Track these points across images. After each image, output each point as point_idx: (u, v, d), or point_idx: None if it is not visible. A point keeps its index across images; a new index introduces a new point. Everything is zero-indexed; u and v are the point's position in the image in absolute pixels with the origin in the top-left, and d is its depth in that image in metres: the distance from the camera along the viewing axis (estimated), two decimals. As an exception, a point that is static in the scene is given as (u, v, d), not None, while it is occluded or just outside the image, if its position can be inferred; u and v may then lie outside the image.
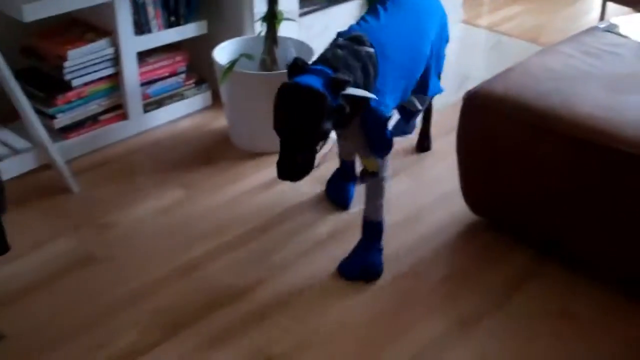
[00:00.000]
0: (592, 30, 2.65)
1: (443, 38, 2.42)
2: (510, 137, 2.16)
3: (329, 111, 1.79)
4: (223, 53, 2.75)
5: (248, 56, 2.65)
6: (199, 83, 3.03)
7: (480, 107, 2.22)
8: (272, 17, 2.65)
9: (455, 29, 3.92)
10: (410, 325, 2.01)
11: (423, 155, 2.81)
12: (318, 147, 1.85)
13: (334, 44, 2.01)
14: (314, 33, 3.12)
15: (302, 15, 3.15)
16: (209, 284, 2.13)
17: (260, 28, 2.73)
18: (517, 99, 2.15)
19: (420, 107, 2.38)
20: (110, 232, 2.35)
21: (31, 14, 2.40)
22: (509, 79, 2.27)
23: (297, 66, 1.87)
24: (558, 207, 2.12)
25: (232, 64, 2.58)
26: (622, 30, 2.60)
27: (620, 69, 2.30)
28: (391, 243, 2.29)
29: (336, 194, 2.50)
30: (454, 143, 2.33)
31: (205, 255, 2.24)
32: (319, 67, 1.87)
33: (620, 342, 1.97)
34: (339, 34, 2.07)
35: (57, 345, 1.92)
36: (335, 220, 2.43)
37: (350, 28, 2.09)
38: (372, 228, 2.17)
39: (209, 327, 1.98)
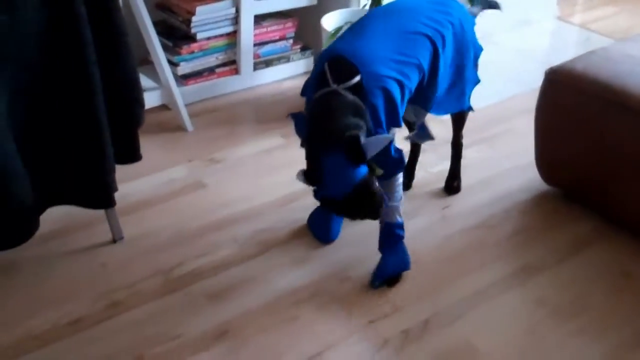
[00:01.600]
0: (677, 26, 2.82)
1: (466, 50, 2.23)
2: (585, 111, 2.37)
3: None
4: (329, 21, 3.04)
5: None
6: (304, 49, 3.33)
7: (560, 82, 2.43)
8: (377, -11, 2.92)
9: (549, 24, 4.13)
10: (477, 267, 2.25)
11: (503, 131, 3.03)
12: None
13: (319, 103, 1.95)
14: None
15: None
16: (305, 213, 2.40)
17: (366, 1, 3.01)
18: (595, 76, 2.35)
19: (414, 119, 2.31)
20: (219, 165, 2.68)
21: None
22: (590, 59, 2.47)
23: None
24: (624, 178, 2.31)
25: (338, 29, 2.87)
26: None
27: (697, 59, 2.47)
28: (462, 201, 2.55)
29: (319, 228, 2.33)
30: (533, 123, 2.55)
31: (302, 191, 2.51)
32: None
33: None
34: (322, 56, 2.00)
35: (166, 249, 2.25)
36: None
37: (335, 47, 2.01)
38: (390, 230, 2.16)
39: (296, 248, 2.28)
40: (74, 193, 2.07)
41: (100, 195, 2.08)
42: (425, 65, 2.06)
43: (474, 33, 2.29)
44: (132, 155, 2.15)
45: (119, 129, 2.04)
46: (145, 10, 2.66)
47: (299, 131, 2.06)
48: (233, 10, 3.01)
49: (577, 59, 2.50)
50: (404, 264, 2.19)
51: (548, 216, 2.51)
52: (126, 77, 2.01)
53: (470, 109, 2.41)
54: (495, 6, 2.54)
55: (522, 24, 4.01)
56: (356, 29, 2.06)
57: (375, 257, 2.21)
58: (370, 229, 2.25)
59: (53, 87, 1.87)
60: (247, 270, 2.19)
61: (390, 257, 2.18)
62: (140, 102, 2.07)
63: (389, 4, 2.23)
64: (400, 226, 2.16)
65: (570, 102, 2.41)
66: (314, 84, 1.98)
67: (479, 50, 2.32)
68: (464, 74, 2.26)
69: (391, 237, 2.17)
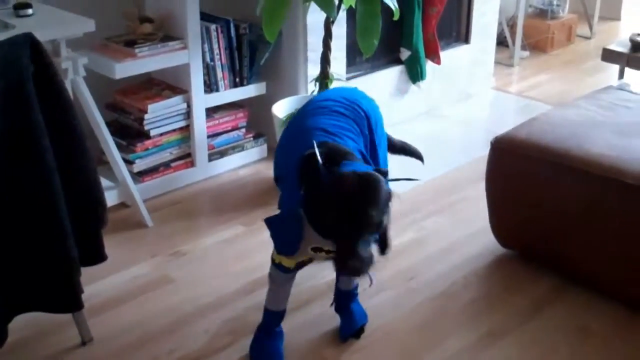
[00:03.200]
0: (607, 88, 2.99)
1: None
2: (531, 175, 2.48)
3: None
4: (280, 109, 3.14)
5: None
6: (257, 137, 3.42)
7: (505, 150, 2.55)
8: (324, 78, 3.04)
9: (488, 95, 4.32)
10: (444, 336, 2.30)
11: (456, 200, 3.13)
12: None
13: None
14: (359, 94, 3.51)
15: (348, 78, 3.55)
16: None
17: (313, 88, 3.13)
18: (538, 142, 2.48)
19: None
20: (182, 259, 2.70)
21: (122, 71, 2.83)
22: (532, 126, 2.61)
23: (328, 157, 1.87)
24: (575, 235, 2.41)
25: (290, 116, 2.97)
26: (633, 88, 2.94)
27: (629, 118, 2.63)
28: (426, 271, 2.62)
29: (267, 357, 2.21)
30: (483, 189, 2.66)
31: (264, 277, 2.55)
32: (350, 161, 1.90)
33: (636, 354, 2.23)
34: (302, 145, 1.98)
35: (137, 347, 2.24)
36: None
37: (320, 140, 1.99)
38: (354, 290, 2.31)
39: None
40: (41, 299, 2.06)
41: (67, 299, 2.07)
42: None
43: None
44: (97, 256, 2.16)
45: (83, 231, 2.06)
46: (97, 111, 2.72)
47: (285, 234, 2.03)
48: (184, 105, 3.10)
49: (520, 126, 2.64)
50: (365, 315, 2.34)
51: (506, 279, 2.59)
52: (88, 180, 2.05)
53: None
54: (418, 156, 2.60)
55: (464, 96, 4.19)
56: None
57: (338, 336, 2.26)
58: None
59: (14, 193, 1.88)
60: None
61: (357, 309, 2.31)
62: (102, 203, 2.10)
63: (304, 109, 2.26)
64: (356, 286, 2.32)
65: (517, 168, 2.53)
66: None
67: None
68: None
69: (354, 295, 2.31)
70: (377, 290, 2.50)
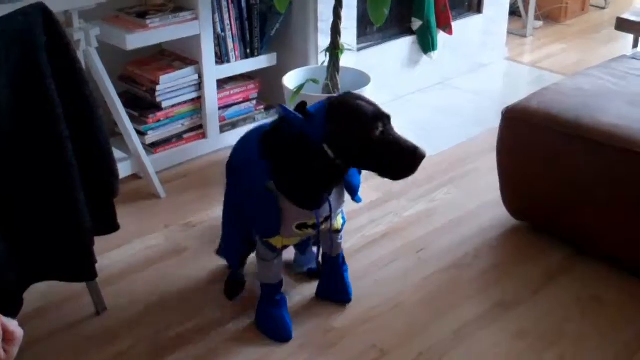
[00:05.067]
0: (621, 57, 2.96)
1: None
2: (542, 145, 2.47)
3: None
4: (291, 79, 3.13)
5: (314, 81, 3.03)
6: (267, 108, 3.42)
7: (516, 120, 2.54)
8: (334, 48, 3.03)
9: (501, 65, 4.29)
10: (455, 306, 2.31)
11: (468, 171, 3.13)
12: None
13: None
14: (370, 65, 3.49)
15: (359, 49, 3.53)
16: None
17: (324, 58, 3.11)
18: (549, 111, 2.47)
19: None
20: (195, 229, 2.72)
21: (133, 42, 2.83)
22: (543, 96, 2.59)
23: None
24: (587, 206, 2.40)
25: (300, 87, 2.96)
26: (647, 57, 2.91)
27: (642, 87, 2.61)
28: (436, 242, 2.63)
29: (274, 330, 2.20)
30: (495, 161, 2.65)
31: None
32: None
33: (643, 323, 2.24)
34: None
35: (150, 316, 2.27)
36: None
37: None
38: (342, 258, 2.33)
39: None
40: (56, 268, 2.08)
41: (81, 268, 2.10)
42: None
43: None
44: (110, 226, 2.18)
45: (96, 201, 2.08)
46: (110, 83, 2.73)
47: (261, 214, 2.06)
48: (196, 76, 3.10)
49: (531, 96, 2.62)
50: (350, 293, 2.34)
51: (518, 250, 2.59)
52: (100, 150, 2.06)
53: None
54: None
55: (476, 67, 4.17)
56: None
57: (349, 307, 2.30)
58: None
59: (28, 163, 1.90)
60: (235, 330, 2.22)
61: (346, 279, 2.34)
62: (114, 173, 2.11)
63: None
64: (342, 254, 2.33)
65: (528, 138, 2.52)
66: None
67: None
68: None
69: (342, 263, 2.32)
70: (386, 262, 2.53)
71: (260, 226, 2.10)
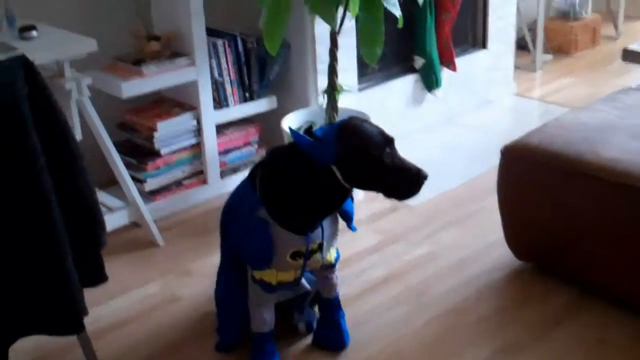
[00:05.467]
0: (626, 90, 2.89)
1: None
2: (544, 183, 2.40)
3: None
4: (290, 122, 3.11)
5: (312, 123, 2.99)
6: (270, 152, 3.39)
7: (516, 158, 2.48)
8: (332, 89, 3.00)
9: (508, 101, 4.23)
10: (456, 353, 2.23)
11: (473, 211, 3.05)
12: None
13: None
14: (373, 105, 3.45)
15: (361, 89, 3.50)
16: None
17: (323, 100, 3.09)
18: (549, 147, 2.40)
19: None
20: (192, 277, 2.67)
21: (129, 90, 2.83)
22: (544, 132, 2.53)
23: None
24: (591, 244, 2.32)
25: (299, 129, 2.92)
26: (652, 89, 2.84)
27: (646, 120, 2.53)
28: (437, 286, 2.56)
29: None
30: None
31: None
32: None
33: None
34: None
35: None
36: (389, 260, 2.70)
37: None
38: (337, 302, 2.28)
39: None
40: (41, 322, 2.04)
41: (68, 322, 2.05)
42: None
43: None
44: (98, 277, 2.14)
45: (82, 252, 2.05)
46: (105, 131, 2.72)
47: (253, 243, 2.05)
48: (194, 122, 3.08)
49: (531, 132, 2.56)
50: (347, 338, 2.29)
51: (521, 293, 2.51)
52: (85, 201, 2.02)
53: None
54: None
55: (483, 103, 4.11)
56: None
57: (347, 355, 2.22)
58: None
59: (10, 215, 1.87)
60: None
61: (342, 324, 2.27)
62: (101, 224, 2.08)
63: None
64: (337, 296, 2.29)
65: (529, 175, 2.45)
66: None
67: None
68: None
69: (338, 304, 2.27)
70: (387, 307, 2.46)
71: (252, 256, 2.06)
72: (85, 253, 2.07)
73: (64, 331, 2.09)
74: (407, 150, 3.66)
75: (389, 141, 1.96)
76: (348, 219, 2.13)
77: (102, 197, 2.94)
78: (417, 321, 2.38)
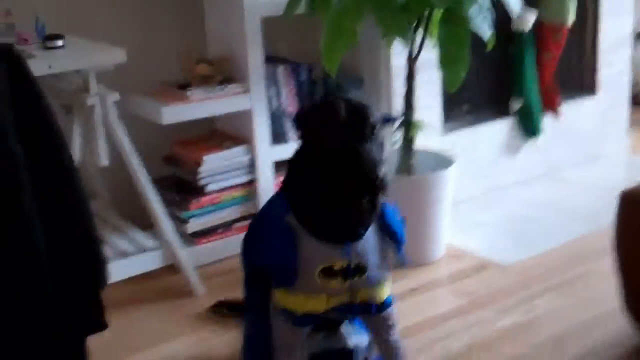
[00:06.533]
0: None
1: None
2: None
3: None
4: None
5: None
6: (336, 198, 2.94)
7: (636, 203, 1.93)
8: (407, 125, 2.55)
9: (621, 157, 3.65)
10: None
11: (577, 275, 2.48)
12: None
13: None
14: (459, 150, 2.97)
15: (446, 131, 3.02)
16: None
17: (396, 138, 2.64)
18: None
19: None
20: (229, 334, 2.21)
21: (169, 116, 2.47)
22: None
23: None
24: None
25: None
26: None
27: None
28: (533, 362, 1.99)
29: None
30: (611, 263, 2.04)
31: None
32: None
33: None
34: None
35: None
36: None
37: None
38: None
39: None
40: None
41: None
42: None
43: None
44: (96, 323, 1.71)
45: (76, 292, 1.64)
46: (135, 157, 2.34)
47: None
48: (247, 157, 2.67)
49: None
50: None
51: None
52: (81, 232, 1.62)
53: None
54: None
55: (591, 158, 3.54)
56: None
57: None
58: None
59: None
60: None
61: None
62: (99, 258, 1.66)
63: None
64: None
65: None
66: None
67: None
68: None
69: None
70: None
71: (275, 269, 1.70)
72: (81, 293, 1.66)
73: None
74: (497, 204, 3.22)
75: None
76: (396, 240, 1.71)
77: (136, 234, 2.56)
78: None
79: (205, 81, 2.58)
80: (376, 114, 1.62)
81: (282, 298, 1.70)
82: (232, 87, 2.59)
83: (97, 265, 1.68)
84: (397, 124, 2.56)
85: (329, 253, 1.63)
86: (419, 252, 2.57)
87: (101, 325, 1.73)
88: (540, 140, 3.27)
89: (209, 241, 2.66)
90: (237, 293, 2.45)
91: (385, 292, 1.74)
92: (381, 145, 1.62)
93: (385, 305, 1.74)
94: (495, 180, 3.23)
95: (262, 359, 1.81)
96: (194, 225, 2.63)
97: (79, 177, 1.62)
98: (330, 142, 1.57)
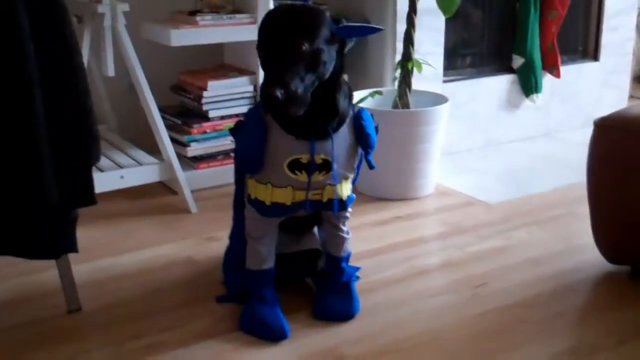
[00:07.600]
0: None
1: None
2: (645, 156, 1.91)
3: (327, 32, 1.64)
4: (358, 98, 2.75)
5: (378, 92, 2.64)
6: (335, 138, 3.03)
7: (613, 129, 2.00)
8: (405, 60, 2.63)
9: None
10: (512, 348, 1.74)
11: (559, 215, 2.56)
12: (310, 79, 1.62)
13: None
14: (458, 101, 3.06)
15: (446, 81, 3.11)
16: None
17: (395, 76, 2.72)
18: (654, 114, 1.92)
19: None
20: (214, 244, 2.31)
21: (178, 39, 2.56)
22: (650, 103, 2.04)
23: None
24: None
25: (362, 99, 2.57)
26: None
27: None
28: (501, 279, 2.09)
29: (268, 326, 1.79)
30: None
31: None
32: None
33: None
34: None
35: (129, 322, 1.87)
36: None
37: None
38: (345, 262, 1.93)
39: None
40: (12, 241, 1.74)
41: (39, 243, 1.74)
42: None
43: None
44: (85, 197, 1.81)
45: (68, 165, 1.74)
46: (140, 68, 2.45)
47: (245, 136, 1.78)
48: (251, 88, 2.78)
49: (630, 106, 2.09)
50: (356, 304, 1.89)
51: (609, 296, 1.99)
52: (77, 104, 1.73)
53: None
54: None
55: (591, 122, 3.57)
56: None
57: (370, 334, 1.78)
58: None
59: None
60: (220, 346, 1.77)
61: (348, 290, 1.91)
62: (93, 134, 1.77)
63: None
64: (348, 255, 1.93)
65: (628, 152, 1.97)
66: None
67: None
68: None
69: (343, 267, 1.92)
70: (433, 293, 2.01)
71: (244, 157, 1.77)
72: (72, 166, 1.76)
73: (36, 254, 1.78)
74: (494, 156, 3.28)
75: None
76: (366, 144, 1.76)
77: (137, 153, 2.66)
78: (468, 311, 1.91)
79: (216, 10, 2.69)
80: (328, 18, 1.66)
81: (252, 188, 1.78)
82: (240, 17, 2.69)
83: (90, 139, 1.77)
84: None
85: (296, 147, 1.70)
86: (407, 186, 2.67)
87: (90, 200, 1.83)
88: (541, 101, 3.33)
89: (209, 166, 2.76)
90: (227, 213, 2.58)
91: (348, 190, 1.82)
92: (328, 40, 1.64)
93: (347, 203, 1.82)
94: (494, 135, 3.30)
95: (238, 256, 1.91)
96: (194, 150, 2.73)
97: (80, 53, 1.72)
98: (267, 19, 1.66)
